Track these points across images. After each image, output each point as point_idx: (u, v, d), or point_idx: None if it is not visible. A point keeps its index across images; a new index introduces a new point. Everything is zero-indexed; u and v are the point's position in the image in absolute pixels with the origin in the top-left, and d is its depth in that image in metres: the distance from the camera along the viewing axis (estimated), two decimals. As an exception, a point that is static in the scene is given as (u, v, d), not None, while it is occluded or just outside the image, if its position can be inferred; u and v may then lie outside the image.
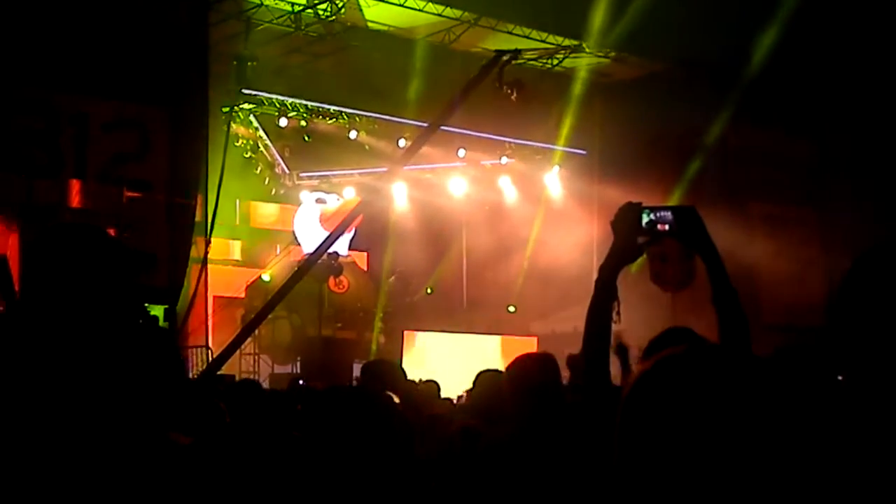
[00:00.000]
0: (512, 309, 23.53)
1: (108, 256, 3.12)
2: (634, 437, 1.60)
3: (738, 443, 1.53)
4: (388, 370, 7.64)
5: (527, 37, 20.37)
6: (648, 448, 1.58)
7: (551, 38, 20.99)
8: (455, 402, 10.62)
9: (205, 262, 16.40)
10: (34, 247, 3.18)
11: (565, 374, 5.71)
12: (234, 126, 20.52)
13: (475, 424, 5.98)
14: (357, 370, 18.42)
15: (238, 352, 16.64)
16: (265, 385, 18.34)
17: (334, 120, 21.81)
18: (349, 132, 21.98)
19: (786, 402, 1.57)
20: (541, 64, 21.71)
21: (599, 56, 21.67)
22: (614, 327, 3.20)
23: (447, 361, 18.47)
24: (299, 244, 22.95)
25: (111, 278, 3.11)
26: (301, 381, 13.58)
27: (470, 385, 6.96)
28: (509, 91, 20.20)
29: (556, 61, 21.89)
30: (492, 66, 19.02)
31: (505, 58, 19.41)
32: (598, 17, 19.77)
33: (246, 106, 20.93)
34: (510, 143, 23.65)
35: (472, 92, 17.50)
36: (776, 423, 1.55)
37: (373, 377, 7.53)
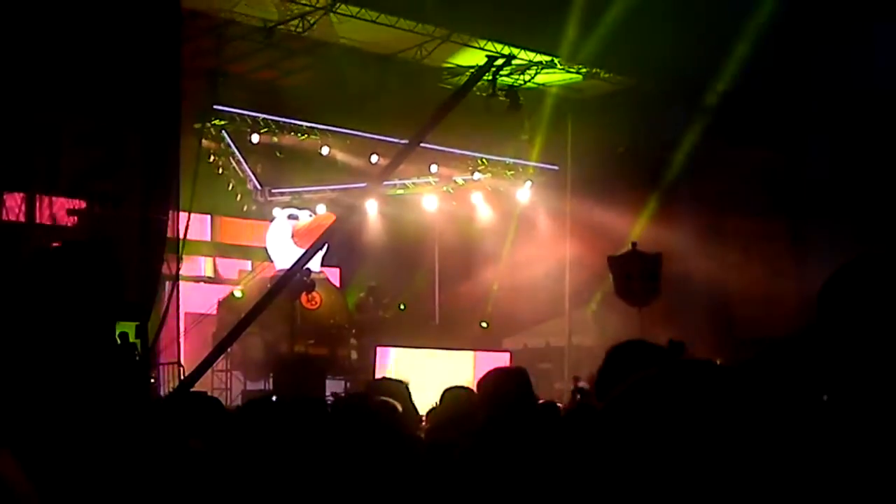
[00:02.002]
0: (485, 324, 23.50)
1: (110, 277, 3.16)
2: (612, 461, 1.56)
3: (716, 464, 1.50)
4: (395, 389, 7.50)
5: (499, 53, 20.38)
6: (627, 472, 1.55)
7: (523, 55, 21.02)
8: (424, 418, 10.54)
9: (176, 278, 16.35)
10: (35, 263, 3.21)
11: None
12: (205, 142, 20.46)
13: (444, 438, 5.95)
14: (330, 387, 18.37)
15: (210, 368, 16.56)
16: (238, 402, 18.33)
17: (306, 136, 21.76)
18: (321, 148, 21.94)
19: (767, 422, 1.54)
20: (512, 80, 21.74)
21: (571, 72, 21.74)
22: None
23: (420, 377, 18.37)
24: (271, 261, 22.90)
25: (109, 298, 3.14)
26: (274, 398, 13.51)
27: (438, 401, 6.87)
28: (504, 98, 20.22)
29: (528, 77, 21.92)
30: (484, 70, 18.91)
31: (499, 62, 19.31)
32: (569, 33, 19.86)
33: (218, 122, 20.87)
34: (482, 158, 23.66)
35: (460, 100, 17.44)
36: (755, 440, 1.52)
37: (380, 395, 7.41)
